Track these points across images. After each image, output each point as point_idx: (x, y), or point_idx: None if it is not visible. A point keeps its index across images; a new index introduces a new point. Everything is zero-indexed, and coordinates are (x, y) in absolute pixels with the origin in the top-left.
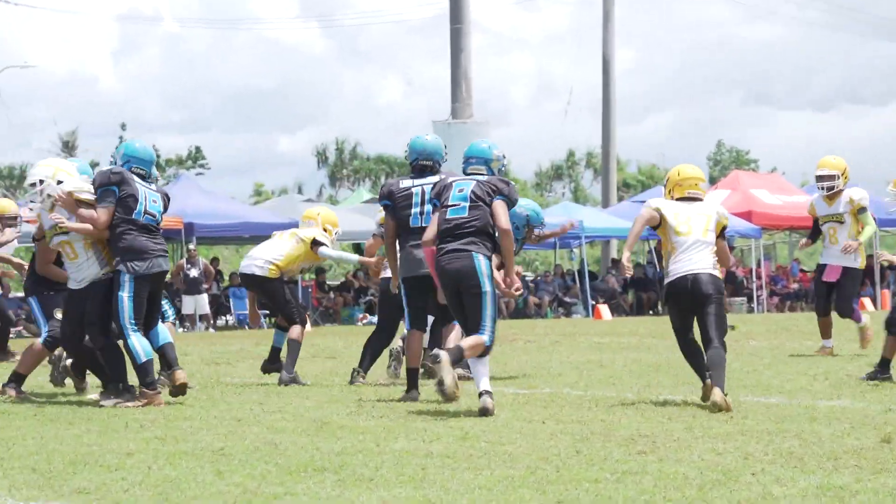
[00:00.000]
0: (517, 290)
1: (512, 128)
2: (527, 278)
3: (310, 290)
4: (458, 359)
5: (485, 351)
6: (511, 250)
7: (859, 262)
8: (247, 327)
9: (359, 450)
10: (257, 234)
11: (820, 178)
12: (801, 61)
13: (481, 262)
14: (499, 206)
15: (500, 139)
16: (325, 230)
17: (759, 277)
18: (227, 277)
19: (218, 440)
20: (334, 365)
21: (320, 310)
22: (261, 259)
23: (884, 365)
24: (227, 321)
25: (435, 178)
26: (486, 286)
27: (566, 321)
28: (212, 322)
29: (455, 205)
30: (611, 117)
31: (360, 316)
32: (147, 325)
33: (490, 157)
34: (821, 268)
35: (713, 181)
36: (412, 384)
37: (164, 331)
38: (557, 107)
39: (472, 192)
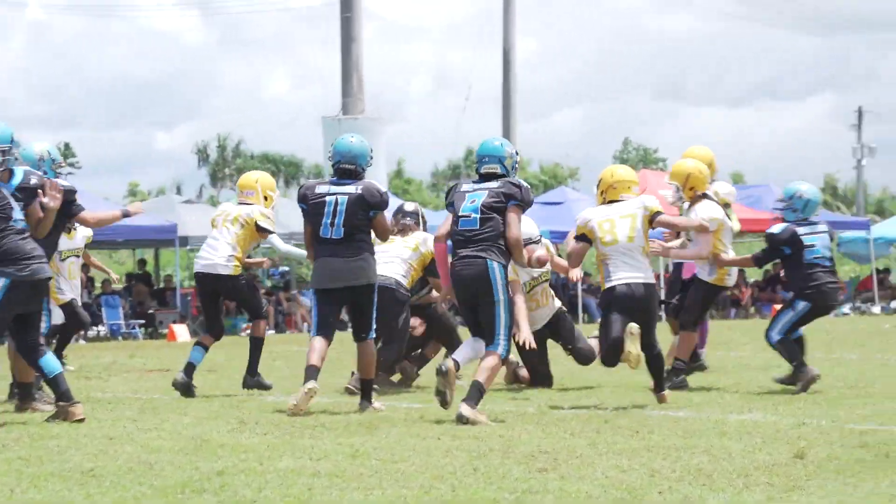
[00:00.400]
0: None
1: (408, 123)
2: None
3: (189, 297)
4: (479, 397)
5: (500, 364)
6: (520, 261)
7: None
8: (120, 338)
9: (240, 469)
10: (132, 238)
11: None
12: (715, 55)
13: (496, 269)
14: (512, 214)
15: (395, 136)
16: (266, 197)
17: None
18: (98, 285)
19: (87, 460)
20: (215, 379)
21: (200, 319)
22: (221, 256)
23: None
24: (98, 332)
25: (356, 186)
26: (500, 295)
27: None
28: (82, 333)
29: (466, 216)
30: (511, 113)
31: (244, 326)
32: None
33: (503, 154)
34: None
35: None
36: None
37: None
38: (457, 101)
39: (483, 204)
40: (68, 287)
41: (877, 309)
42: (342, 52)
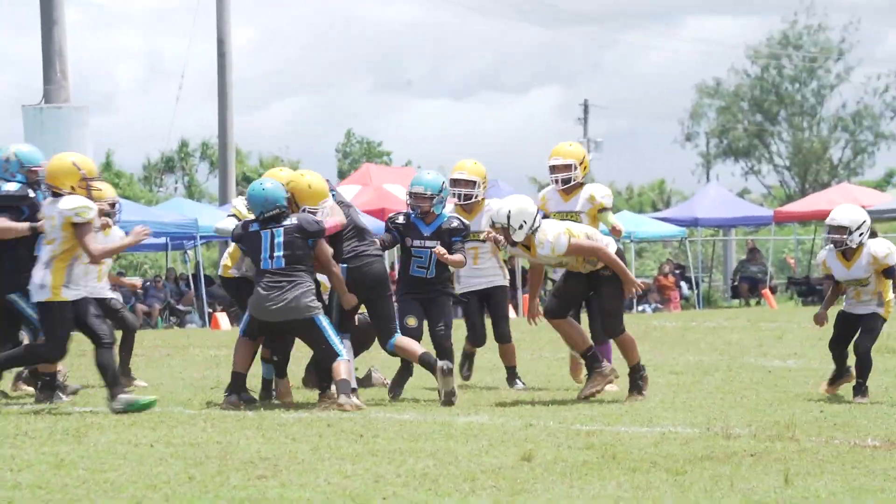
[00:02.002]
0: None
1: (118, 114)
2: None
3: None
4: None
5: None
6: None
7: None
8: None
9: None
10: None
11: (553, 169)
12: (439, 45)
13: None
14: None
15: (104, 127)
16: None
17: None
18: None
19: None
20: None
21: None
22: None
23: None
24: None
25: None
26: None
27: (179, 332)
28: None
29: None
30: (228, 104)
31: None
32: None
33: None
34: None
35: (342, 175)
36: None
37: None
38: (170, 91)
39: None
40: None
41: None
42: (42, 36)
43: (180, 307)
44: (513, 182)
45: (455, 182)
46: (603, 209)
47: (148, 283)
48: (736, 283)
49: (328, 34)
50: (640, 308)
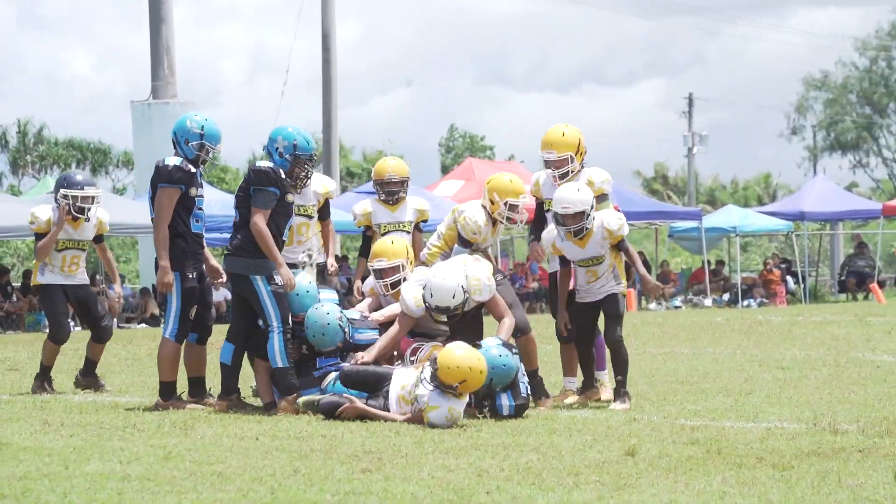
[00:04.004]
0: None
1: (223, 108)
2: None
3: None
4: None
5: None
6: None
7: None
8: None
9: (44, 474)
10: None
11: (548, 164)
12: (542, 38)
13: None
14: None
15: None
16: None
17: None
18: None
19: None
20: (17, 378)
21: (0, 315)
22: None
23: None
24: None
25: None
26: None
27: None
28: None
29: None
30: (332, 98)
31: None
32: None
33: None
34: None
35: (445, 170)
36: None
37: None
38: (275, 86)
39: None
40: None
41: (709, 301)
42: (151, 33)
43: None
44: (616, 175)
45: (547, 163)
46: (602, 195)
47: None
48: (843, 278)
49: (431, 28)
50: (746, 303)
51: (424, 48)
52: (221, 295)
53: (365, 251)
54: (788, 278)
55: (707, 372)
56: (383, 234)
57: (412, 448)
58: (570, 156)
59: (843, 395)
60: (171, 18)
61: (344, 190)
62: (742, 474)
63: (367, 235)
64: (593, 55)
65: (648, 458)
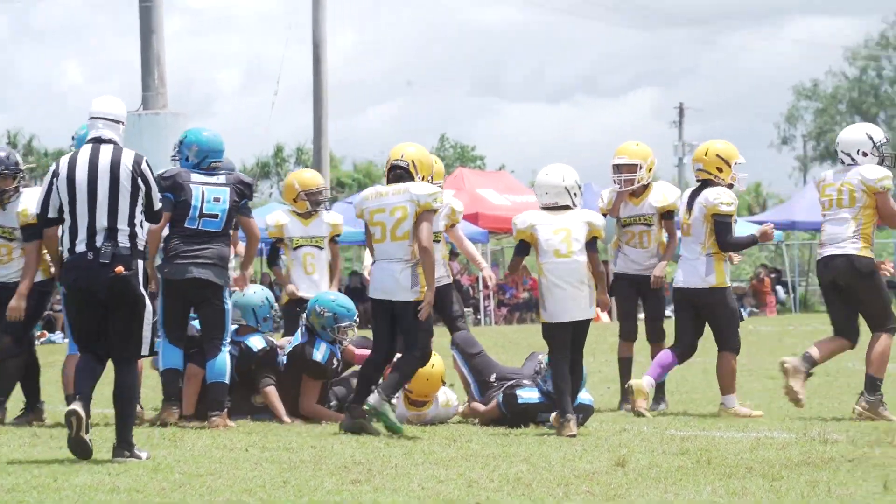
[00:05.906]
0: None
1: (215, 119)
2: None
3: None
4: None
5: None
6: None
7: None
8: None
9: (33, 486)
10: None
11: (617, 168)
12: (533, 49)
13: None
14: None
15: None
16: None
17: (486, 286)
18: None
19: None
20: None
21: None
22: None
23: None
24: None
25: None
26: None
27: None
28: None
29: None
30: (322, 108)
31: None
32: None
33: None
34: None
35: None
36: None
37: None
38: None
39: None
40: None
41: None
42: (142, 44)
43: None
44: (607, 185)
45: (617, 168)
46: (669, 213)
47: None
48: None
49: (425, 39)
50: None
51: (415, 59)
52: None
53: (272, 261)
54: (779, 288)
55: (696, 382)
56: (295, 248)
57: (402, 459)
58: (640, 164)
59: (834, 405)
60: (162, 28)
61: (334, 200)
62: (732, 484)
63: (277, 247)
64: (585, 66)
65: (638, 468)
